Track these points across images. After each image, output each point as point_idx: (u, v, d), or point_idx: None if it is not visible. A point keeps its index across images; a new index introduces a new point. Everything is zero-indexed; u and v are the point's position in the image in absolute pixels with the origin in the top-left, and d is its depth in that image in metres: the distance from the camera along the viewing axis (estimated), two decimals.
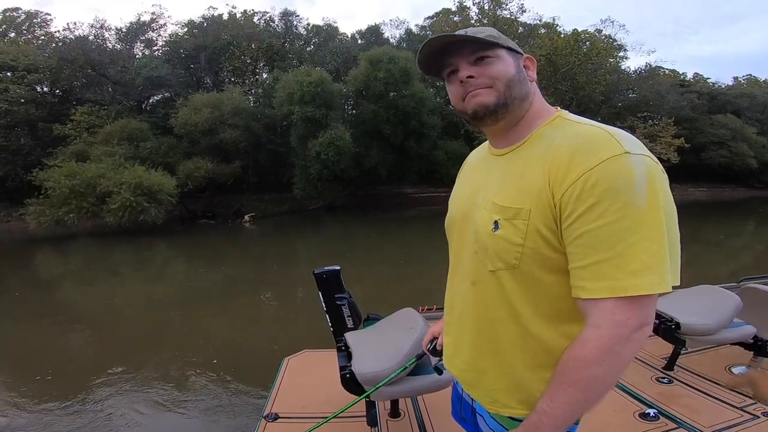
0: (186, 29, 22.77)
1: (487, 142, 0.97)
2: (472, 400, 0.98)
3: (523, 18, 22.21)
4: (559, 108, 0.89)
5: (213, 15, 23.39)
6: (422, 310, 2.80)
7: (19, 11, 21.77)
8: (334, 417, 1.74)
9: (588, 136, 0.75)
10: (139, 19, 22.16)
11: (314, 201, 18.57)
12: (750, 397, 2.19)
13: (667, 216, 0.71)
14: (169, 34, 22.62)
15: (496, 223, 0.81)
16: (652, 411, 2.07)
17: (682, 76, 29.91)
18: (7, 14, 21.50)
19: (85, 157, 14.70)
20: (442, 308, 1.07)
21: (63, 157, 14.45)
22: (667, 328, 2.36)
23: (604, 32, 21.38)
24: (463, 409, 1.06)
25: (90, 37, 20.03)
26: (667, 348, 2.53)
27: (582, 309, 0.74)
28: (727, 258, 9.45)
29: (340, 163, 16.39)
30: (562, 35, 19.86)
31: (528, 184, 0.78)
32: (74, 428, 3.09)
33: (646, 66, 25.11)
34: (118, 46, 21.14)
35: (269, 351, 4.45)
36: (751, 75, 34.41)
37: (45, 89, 19.28)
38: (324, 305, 2.23)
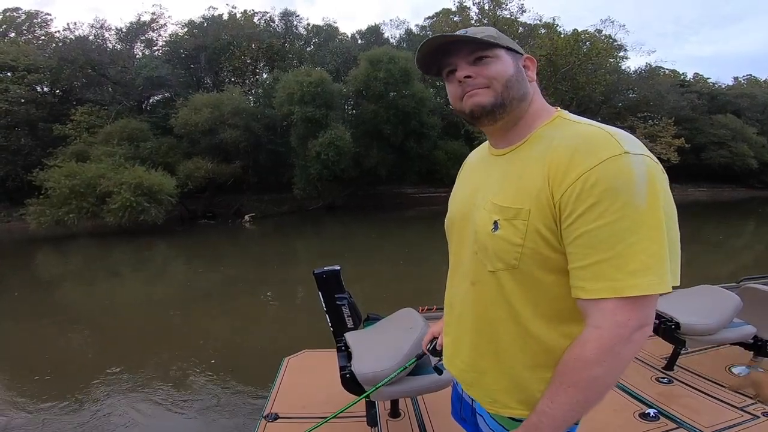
0: (186, 29, 22.78)
1: (487, 142, 0.97)
2: (472, 400, 0.98)
3: (523, 18, 22.28)
4: (559, 108, 0.89)
5: (213, 15, 23.42)
6: (422, 310, 2.80)
7: (20, 11, 21.78)
8: (334, 417, 1.74)
9: (588, 136, 0.75)
10: (139, 19, 22.19)
11: (314, 201, 18.56)
12: (750, 397, 2.19)
13: (667, 216, 0.71)
14: (169, 34, 22.67)
15: (495, 223, 0.81)
16: (652, 411, 2.07)
17: (682, 76, 29.91)
18: (7, 14, 21.49)
19: (86, 157, 14.69)
20: (442, 308, 1.07)
21: (63, 157, 14.43)
22: (667, 328, 2.36)
23: (604, 32, 21.43)
24: (463, 409, 1.06)
25: (90, 37, 20.03)
26: (667, 348, 2.53)
27: (582, 309, 0.74)
28: (727, 258, 9.44)
29: (340, 163, 16.38)
30: (562, 35, 19.85)
31: (528, 184, 0.78)
32: (73, 428, 3.09)
33: (646, 66, 25.20)
34: (118, 46, 21.12)
35: (269, 351, 4.44)
36: (751, 75, 34.45)
37: (45, 89, 19.25)
38: (324, 305, 2.23)
